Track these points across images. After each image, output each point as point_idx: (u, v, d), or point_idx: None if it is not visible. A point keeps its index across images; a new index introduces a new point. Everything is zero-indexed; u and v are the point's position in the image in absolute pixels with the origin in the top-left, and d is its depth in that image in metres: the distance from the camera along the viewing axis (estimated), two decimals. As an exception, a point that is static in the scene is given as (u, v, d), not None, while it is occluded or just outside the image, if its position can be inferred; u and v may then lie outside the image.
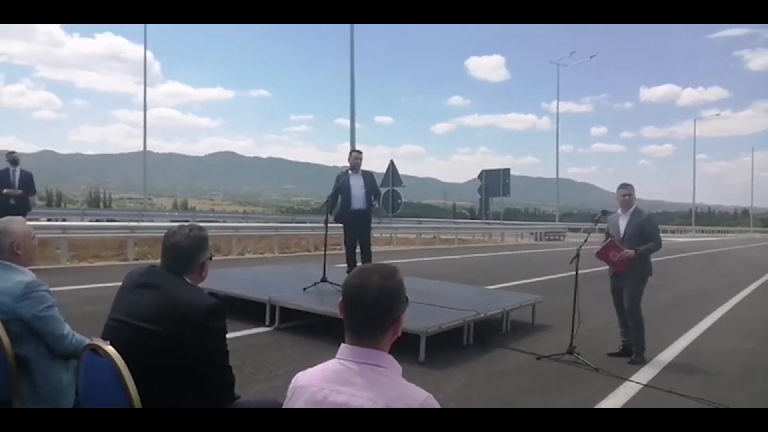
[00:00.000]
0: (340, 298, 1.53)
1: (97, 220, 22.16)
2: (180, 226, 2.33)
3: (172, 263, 2.25)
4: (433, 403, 1.42)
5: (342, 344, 1.53)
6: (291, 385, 1.56)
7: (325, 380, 1.48)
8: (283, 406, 1.57)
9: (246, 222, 24.29)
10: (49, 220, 19.79)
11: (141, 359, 2.00)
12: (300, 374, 1.56)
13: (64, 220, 20.12)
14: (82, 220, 21.05)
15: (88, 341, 2.17)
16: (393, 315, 1.51)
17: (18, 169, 10.16)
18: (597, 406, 4.31)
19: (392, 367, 1.50)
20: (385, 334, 1.51)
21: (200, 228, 2.35)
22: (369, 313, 1.49)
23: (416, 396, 1.42)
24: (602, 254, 5.60)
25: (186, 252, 2.26)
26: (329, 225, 7.75)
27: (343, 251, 8.09)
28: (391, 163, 25.25)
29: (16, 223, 2.79)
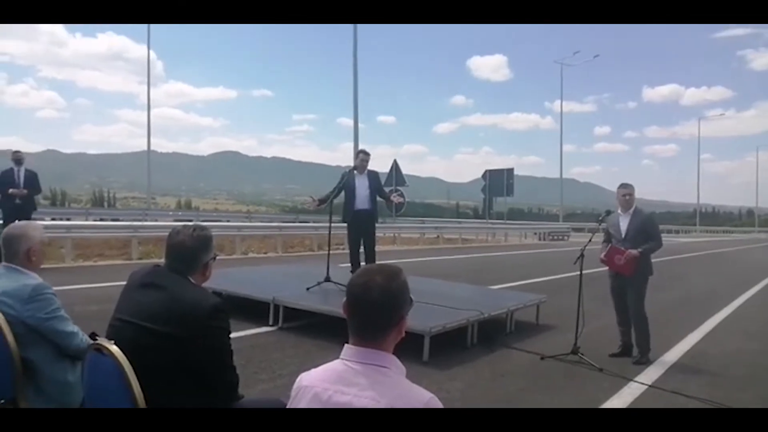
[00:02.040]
0: (344, 299, 1.53)
1: (101, 220, 22.21)
2: (184, 226, 2.32)
3: (176, 263, 2.25)
4: (437, 404, 1.42)
5: (346, 345, 1.53)
6: (295, 386, 1.56)
7: (328, 381, 1.48)
8: (287, 407, 1.57)
9: (250, 221, 24.32)
10: (53, 219, 19.85)
11: (145, 359, 2.00)
12: (304, 374, 1.56)
13: (68, 219, 20.17)
14: (86, 220, 21.09)
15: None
16: (397, 315, 1.51)
17: (22, 168, 10.18)
18: (602, 407, 4.29)
19: (396, 367, 1.49)
20: (388, 335, 1.51)
21: (204, 228, 2.35)
22: (373, 313, 1.48)
23: (420, 397, 1.42)
24: (607, 261, 5.59)
25: (190, 252, 2.26)
26: (333, 224, 7.74)
27: (347, 251, 8.08)
28: (395, 163, 25.29)
29: (33, 228, 2.81)
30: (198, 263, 2.27)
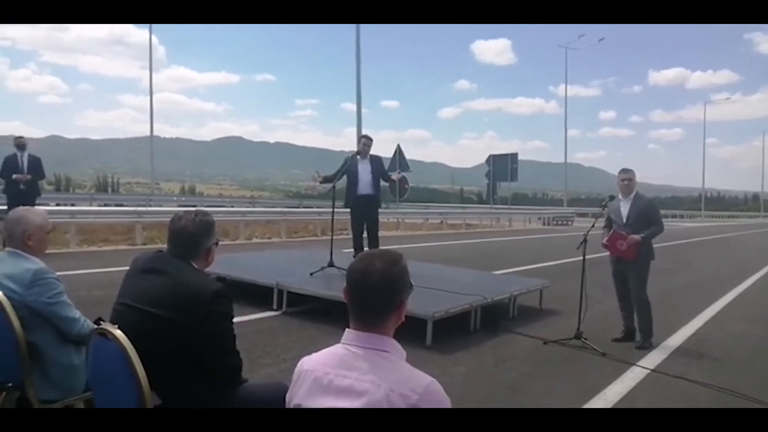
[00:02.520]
0: (345, 284, 1.53)
1: (105, 205, 22.28)
2: (186, 212, 2.33)
3: (178, 248, 2.26)
4: (437, 388, 1.43)
5: (346, 329, 1.54)
6: (296, 369, 1.57)
7: (329, 365, 1.49)
8: (289, 390, 1.58)
9: (253, 207, 24.38)
10: (57, 204, 19.92)
11: (148, 343, 2.01)
12: (305, 359, 1.57)
13: (72, 204, 20.25)
14: (90, 205, 21.17)
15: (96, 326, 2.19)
16: (397, 300, 1.51)
17: (26, 154, 10.20)
18: (604, 391, 4.31)
19: (396, 351, 1.50)
20: (389, 320, 1.51)
21: (206, 213, 2.35)
22: (373, 298, 1.49)
23: (420, 380, 1.42)
24: (610, 246, 5.59)
25: (192, 237, 2.26)
26: (336, 210, 7.75)
27: (351, 236, 8.10)
28: (398, 148, 25.23)
29: (34, 213, 2.81)
30: (200, 248, 2.28)
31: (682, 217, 55.36)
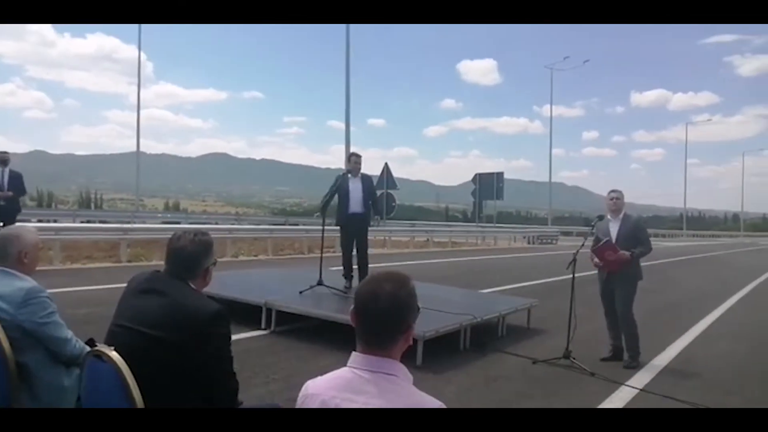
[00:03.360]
0: (352, 307, 1.53)
1: (89, 221, 22.02)
2: (185, 231, 2.32)
3: (177, 268, 2.24)
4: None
5: (353, 352, 1.53)
6: (301, 393, 1.56)
7: (336, 388, 1.48)
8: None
9: (240, 224, 24.25)
10: (39, 221, 19.65)
11: (145, 365, 1.99)
12: (310, 382, 1.56)
13: (55, 221, 19.98)
14: (73, 221, 20.91)
15: (89, 348, 2.16)
16: (405, 324, 1.51)
17: (7, 169, 10.00)
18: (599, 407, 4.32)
19: (404, 375, 1.50)
20: (396, 343, 1.51)
21: (205, 233, 2.34)
22: (381, 321, 1.48)
23: (429, 405, 1.42)
24: (598, 253, 5.64)
25: (191, 257, 2.25)
26: (326, 227, 7.74)
27: (339, 254, 8.08)
28: (386, 166, 25.34)
29: (28, 231, 2.80)
30: (199, 269, 2.27)
31: (664, 236, 55.93)
